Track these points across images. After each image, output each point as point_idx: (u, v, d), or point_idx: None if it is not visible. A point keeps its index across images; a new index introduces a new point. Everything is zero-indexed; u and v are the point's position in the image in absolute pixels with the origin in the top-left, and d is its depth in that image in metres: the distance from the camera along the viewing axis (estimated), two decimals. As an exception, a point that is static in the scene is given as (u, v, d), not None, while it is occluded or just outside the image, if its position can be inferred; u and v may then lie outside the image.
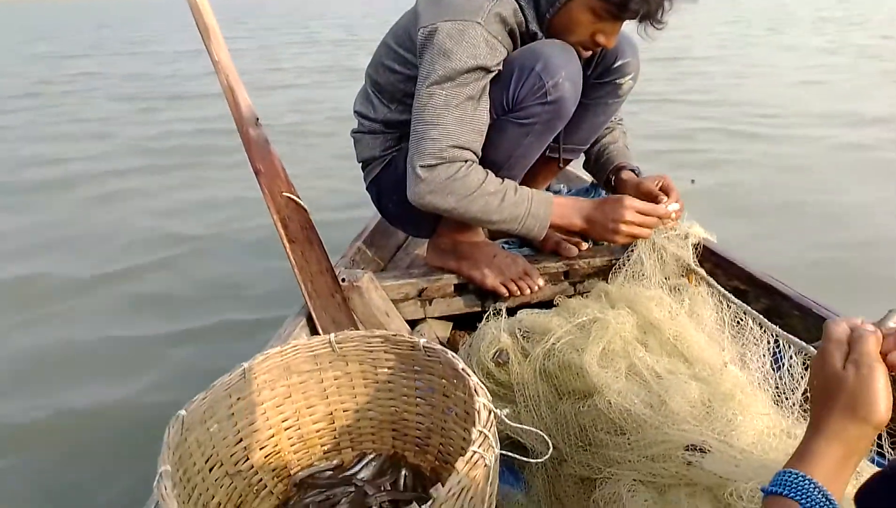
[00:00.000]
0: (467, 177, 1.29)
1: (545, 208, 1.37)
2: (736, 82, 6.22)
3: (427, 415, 1.05)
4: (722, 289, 1.32)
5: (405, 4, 1.42)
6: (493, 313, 1.35)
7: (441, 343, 1.52)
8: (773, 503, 0.59)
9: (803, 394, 1.00)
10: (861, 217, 2.83)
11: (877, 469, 0.83)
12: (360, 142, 1.56)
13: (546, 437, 0.89)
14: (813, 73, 6.43)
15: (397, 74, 1.41)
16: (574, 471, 1.04)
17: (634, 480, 0.91)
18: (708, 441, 0.89)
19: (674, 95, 5.65)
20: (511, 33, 1.32)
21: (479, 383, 0.85)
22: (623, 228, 1.38)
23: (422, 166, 1.28)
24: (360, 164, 1.60)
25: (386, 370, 1.05)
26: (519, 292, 1.48)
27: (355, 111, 1.56)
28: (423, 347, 0.98)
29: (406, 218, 1.58)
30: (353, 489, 1.02)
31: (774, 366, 1.10)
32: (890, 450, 0.87)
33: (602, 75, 1.49)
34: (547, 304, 1.49)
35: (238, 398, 0.96)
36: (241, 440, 0.98)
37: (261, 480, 1.02)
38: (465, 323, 1.59)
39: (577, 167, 1.99)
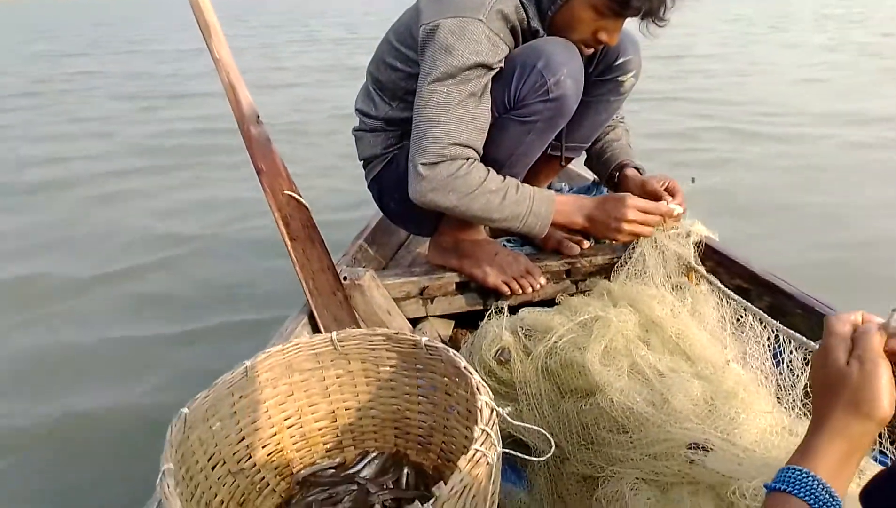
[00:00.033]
0: (469, 175, 1.29)
1: (547, 205, 1.37)
2: (738, 80, 6.21)
3: (429, 413, 1.05)
4: (722, 286, 1.32)
5: (406, 2, 1.42)
6: (495, 312, 1.35)
7: (443, 342, 1.51)
8: (776, 500, 0.59)
9: (803, 389, 1.00)
10: (863, 217, 2.83)
11: (880, 467, 0.83)
12: (361, 140, 1.56)
13: (548, 435, 0.89)
14: (814, 71, 6.43)
15: (399, 71, 1.41)
16: (576, 470, 1.04)
17: (637, 478, 0.91)
18: (710, 440, 0.89)
19: (676, 93, 5.64)
20: (513, 30, 1.32)
21: (482, 381, 0.85)
22: (625, 226, 1.38)
23: (423, 164, 1.28)
24: (362, 162, 1.60)
25: (388, 368, 1.05)
26: (521, 291, 1.48)
27: (357, 109, 1.56)
28: (425, 345, 0.98)
29: (407, 216, 1.58)
30: (355, 487, 1.02)
31: (774, 362, 1.10)
32: (892, 448, 0.87)
33: (604, 73, 1.49)
34: (549, 302, 1.49)
35: (240, 397, 0.96)
36: (243, 438, 0.98)
37: (263, 478, 1.02)
38: (467, 321, 1.59)
39: (578, 165, 1.99)
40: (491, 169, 1.33)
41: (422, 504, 0.65)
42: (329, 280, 1.40)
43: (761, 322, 1.16)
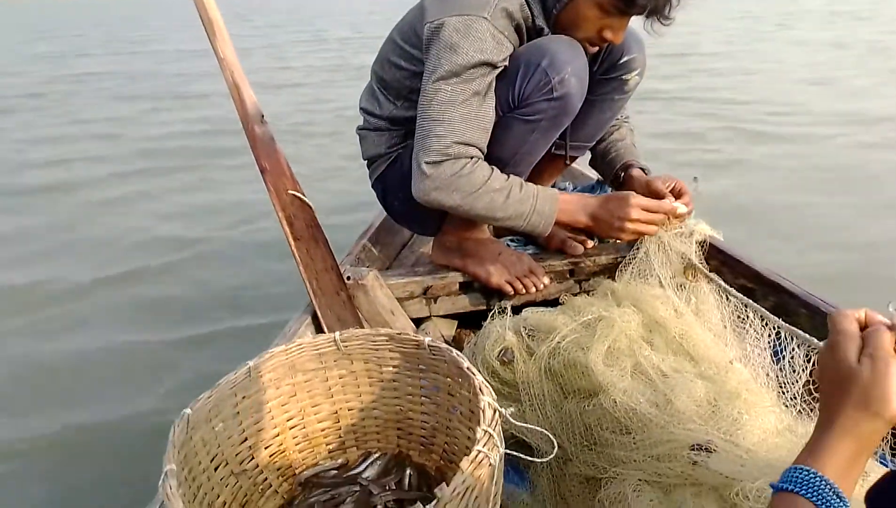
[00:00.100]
0: (472, 174, 1.29)
1: (550, 204, 1.36)
2: (743, 79, 6.17)
3: (432, 414, 1.04)
4: (722, 283, 1.32)
5: (411, 0, 1.41)
6: (499, 312, 1.35)
7: (446, 342, 1.51)
8: (782, 500, 0.58)
9: (804, 386, 0.99)
10: (865, 217, 2.81)
11: (884, 469, 0.82)
12: (365, 139, 1.56)
13: (551, 436, 0.88)
14: (821, 69, 6.38)
15: (403, 70, 1.41)
16: (579, 471, 1.04)
17: (640, 480, 0.91)
18: (714, 441, 0.88)
19: (681, 92, 5.61)
20: (517, 29, 1.32)
21: (484, 381, 0.84)
22: (629, 225, 1.38)
23: (427, 163, 1.28)
24: (366, 161, 1.60)
25: (391, 368, 1.05)
26: (524, 291, 1.48)
27: (361, 108, 1.56)
28: (428, 345, 0.98)
29: (411, 216, 1.58)
30: (357, 488, 1.02)
31: (774, 358, 1.09)
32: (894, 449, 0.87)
33: (608, 71, 1.48)
34: (552, 302, 1.48)
35: (243, 397, 0.96)
36: (246, 439, 0.98)
37: (266, 479, 1.02)
38: (470, 321, 1.58)
39: (582, 164, 1.99)
40: (495, 168, 1.33)
41: (424, 506, 0.65)
42: (332, 280, 1.40)
43: (762, 319, 1.16)
